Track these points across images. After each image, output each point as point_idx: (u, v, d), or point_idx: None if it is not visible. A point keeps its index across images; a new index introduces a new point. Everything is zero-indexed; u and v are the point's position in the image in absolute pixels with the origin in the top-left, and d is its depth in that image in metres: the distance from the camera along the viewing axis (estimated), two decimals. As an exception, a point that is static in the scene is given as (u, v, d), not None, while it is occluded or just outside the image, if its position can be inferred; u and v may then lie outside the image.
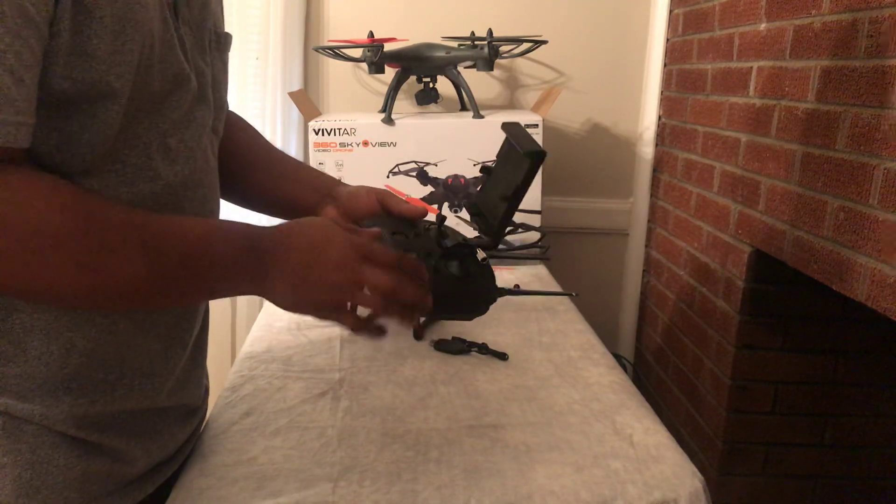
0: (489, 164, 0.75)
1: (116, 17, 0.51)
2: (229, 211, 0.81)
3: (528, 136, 0.69)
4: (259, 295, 0.62)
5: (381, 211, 0.78)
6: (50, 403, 0.58)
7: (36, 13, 0.47)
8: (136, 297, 0.56)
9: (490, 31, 1.50)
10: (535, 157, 0.65)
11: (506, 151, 0.72)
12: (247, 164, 0.83)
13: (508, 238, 1.45)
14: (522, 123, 0.74)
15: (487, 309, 0.75)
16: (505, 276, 1.40)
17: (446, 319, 0.77)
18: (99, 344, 0.60)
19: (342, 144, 1.46)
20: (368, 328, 0.65)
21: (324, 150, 1.46)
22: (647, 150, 1.79)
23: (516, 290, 0.78)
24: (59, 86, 0.51)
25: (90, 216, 0.52)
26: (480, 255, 0.73)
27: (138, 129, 0.57)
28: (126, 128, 0.56)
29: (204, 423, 0.82)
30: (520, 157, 0.66)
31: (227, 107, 0.76)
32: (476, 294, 0.73)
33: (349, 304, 0.63)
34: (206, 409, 0.82)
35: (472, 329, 1.13)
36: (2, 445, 0.57)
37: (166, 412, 0.70)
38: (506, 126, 0.72)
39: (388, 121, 1.47)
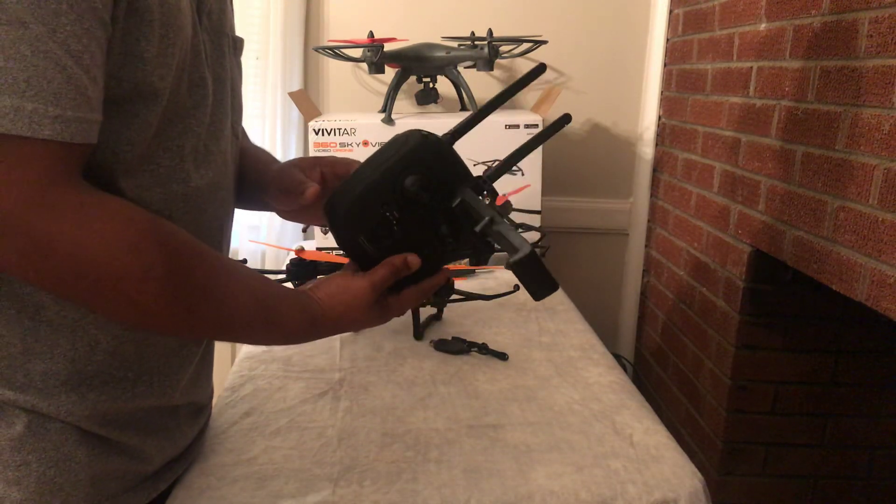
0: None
1: (163, 21, 0.54)
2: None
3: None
4: None
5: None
6: (75, 400, 0.59)
7: (105, 13, 0.49)
8: (192, 336, 0.67)
9: (490, 31, 1.50)
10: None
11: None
12: None
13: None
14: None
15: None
16: (505, 276, 1.40)
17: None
18: (122, 341, 0.61)
19: (342, 144, 1.46)
20: None
21: (324, 151, 1.46)
22: (647, 150, 1.79)
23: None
24: (107, 84, 0.52)
25: (161, 259, 0.53)
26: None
27: (172, 133, 0.59)
28: (161, 131, 0.58)
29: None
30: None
31: (242, 107, 0.79)
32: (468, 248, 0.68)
33: None
34: (211, 409, 0.83)
35: (472, 329, 1.13)
36: (28, 443, 0.58)
37: (178, 410, 0.71)
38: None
39: (388, 121, 1.47)
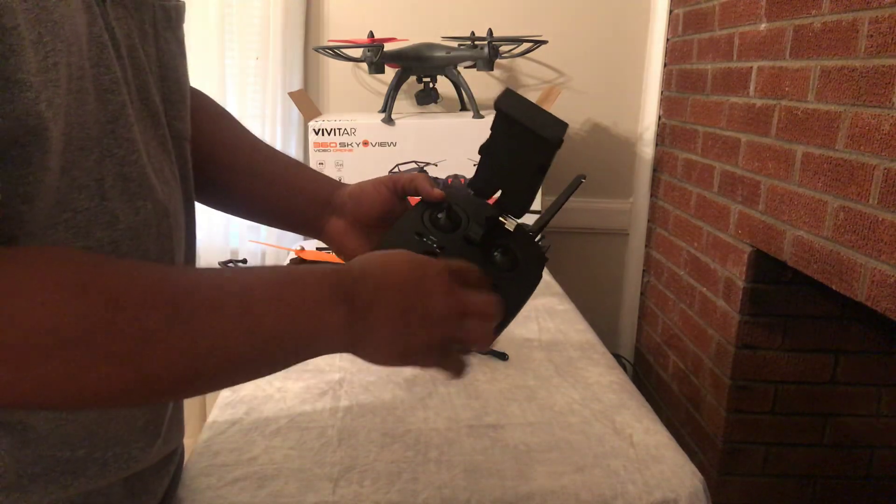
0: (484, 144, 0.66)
1: (31, 20, 0.38)
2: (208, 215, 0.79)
3: (537, 112, 0.60)
4: (348, 350, 0.51)
5: (399, 203, 0.67)
6: (17, 497, 0.49)
7: None
8: (195, 383, 0.46)
9: (490, 31, 1.50)
10: (559, 141, 0.59)
11: (511, 130, 0.63)
12: (225, 166, 0.70)
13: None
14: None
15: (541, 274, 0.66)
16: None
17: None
18: (60, 424, 0.50)
19: (342, 144, 1.46)
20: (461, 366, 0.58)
21: (324, 150, 1.46)
22: (647, 150, 1.79)
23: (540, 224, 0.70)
24: None
25: (116, 295, 0.41)
26: (507, 224, 0.66)
27: (85, 164, 0.44)
28: (71, 166, 0.43)
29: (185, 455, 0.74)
30: (540, 141, 0.60)
31: (188, 95, 0.60)
32: (530, 272, 0.64)
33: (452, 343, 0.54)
34: (182, 447, 0.71)
35: (472, 329, 1.12)
36: None
37: (145, 472, 0.60)
38: (504, 102, 0.62)
39: (388, 121, 1.47)
